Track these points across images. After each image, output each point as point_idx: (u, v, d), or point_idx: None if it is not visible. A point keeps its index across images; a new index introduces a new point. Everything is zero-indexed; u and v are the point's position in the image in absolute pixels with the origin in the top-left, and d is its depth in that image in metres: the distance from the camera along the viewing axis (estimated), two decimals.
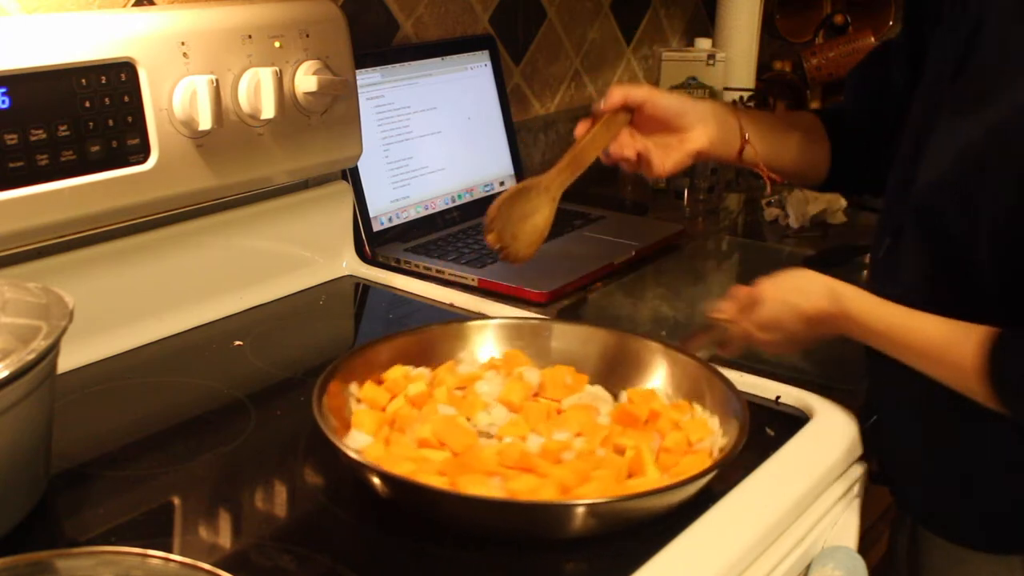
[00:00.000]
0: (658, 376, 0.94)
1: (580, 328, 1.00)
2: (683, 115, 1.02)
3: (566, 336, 0.98)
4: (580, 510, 0.72)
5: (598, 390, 0.93)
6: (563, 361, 0.95)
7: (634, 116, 1.02)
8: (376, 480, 0.75)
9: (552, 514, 0.73)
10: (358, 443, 0.81)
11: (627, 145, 1.02)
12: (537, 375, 0.92)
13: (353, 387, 0.89)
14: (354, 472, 0.79)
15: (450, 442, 0.81)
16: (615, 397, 0.93)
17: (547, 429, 0.84)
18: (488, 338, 0.98)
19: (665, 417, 0.86)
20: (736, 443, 0.79)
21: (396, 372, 0.91)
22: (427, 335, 0.96)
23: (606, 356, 0.96)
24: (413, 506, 0.75)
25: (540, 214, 0.99)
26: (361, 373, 0.89)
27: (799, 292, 0.90)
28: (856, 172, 1.09)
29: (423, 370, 0.93)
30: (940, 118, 0.85)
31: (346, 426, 0.84)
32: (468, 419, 0.87)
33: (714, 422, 0.86)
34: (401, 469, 0.76)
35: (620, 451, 0.82)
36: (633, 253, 1.34)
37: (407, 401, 0.88)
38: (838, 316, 0.87)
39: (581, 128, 1.02)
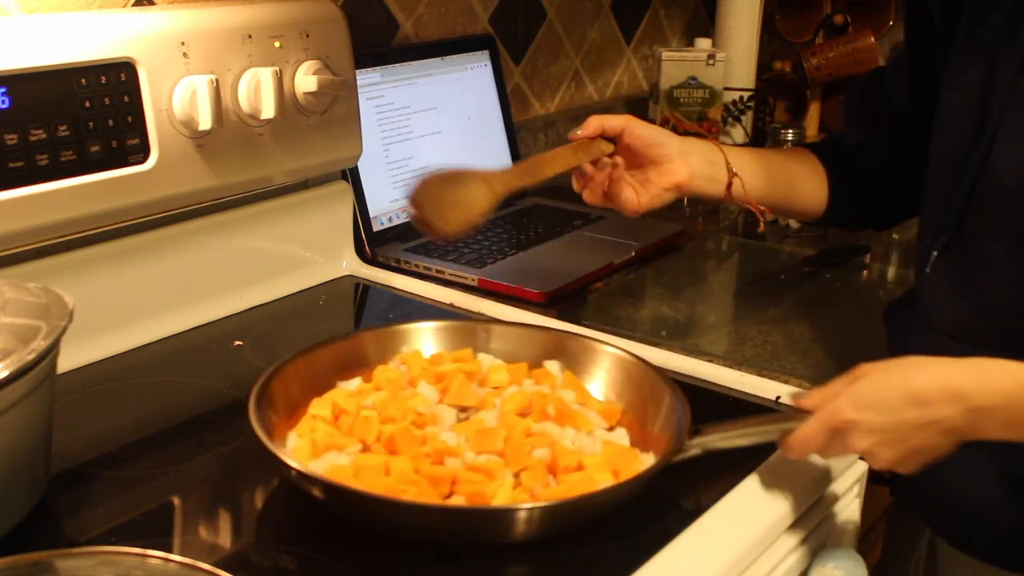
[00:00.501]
0: (599, 379, 0.91)
1: (518, 329, 0.97)
2: (662, 145, 0.98)
3: (505, 337, 0.95)
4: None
5: (602, 435, 0.83)
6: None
7: (615, 147, 0.99)
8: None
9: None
10: (349, 386, 0.88)
11: (606, 167, 0.97)
12: (533, 393, 0.87)
13: (405, 348, 0.93)
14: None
15: (380, 411, 0.82)
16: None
17: (482, 440, 0.80)
18: (424, 341, 0.94)
19: (585, 472, 0.77)
20: (651, 468, 0.74)
21: (463, 353, 0.92)
22: (361, 339, 0.94)
23: (546, 358, 0.93)
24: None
25: (478, 205, 0.93)
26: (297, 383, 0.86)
27: (911, 366, 0.74)
28: (859, 203, 1.06)
29: (498, 361, 0.92)
30: (1006, 118, 0.81)
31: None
32: (477, 410, 0.85)
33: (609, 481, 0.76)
34: (316, 409, 0.82)
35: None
36: (633, 253, 1.34)
37: (427, 374, 0.88)
38: (978, 394, 0.71)
39: None
